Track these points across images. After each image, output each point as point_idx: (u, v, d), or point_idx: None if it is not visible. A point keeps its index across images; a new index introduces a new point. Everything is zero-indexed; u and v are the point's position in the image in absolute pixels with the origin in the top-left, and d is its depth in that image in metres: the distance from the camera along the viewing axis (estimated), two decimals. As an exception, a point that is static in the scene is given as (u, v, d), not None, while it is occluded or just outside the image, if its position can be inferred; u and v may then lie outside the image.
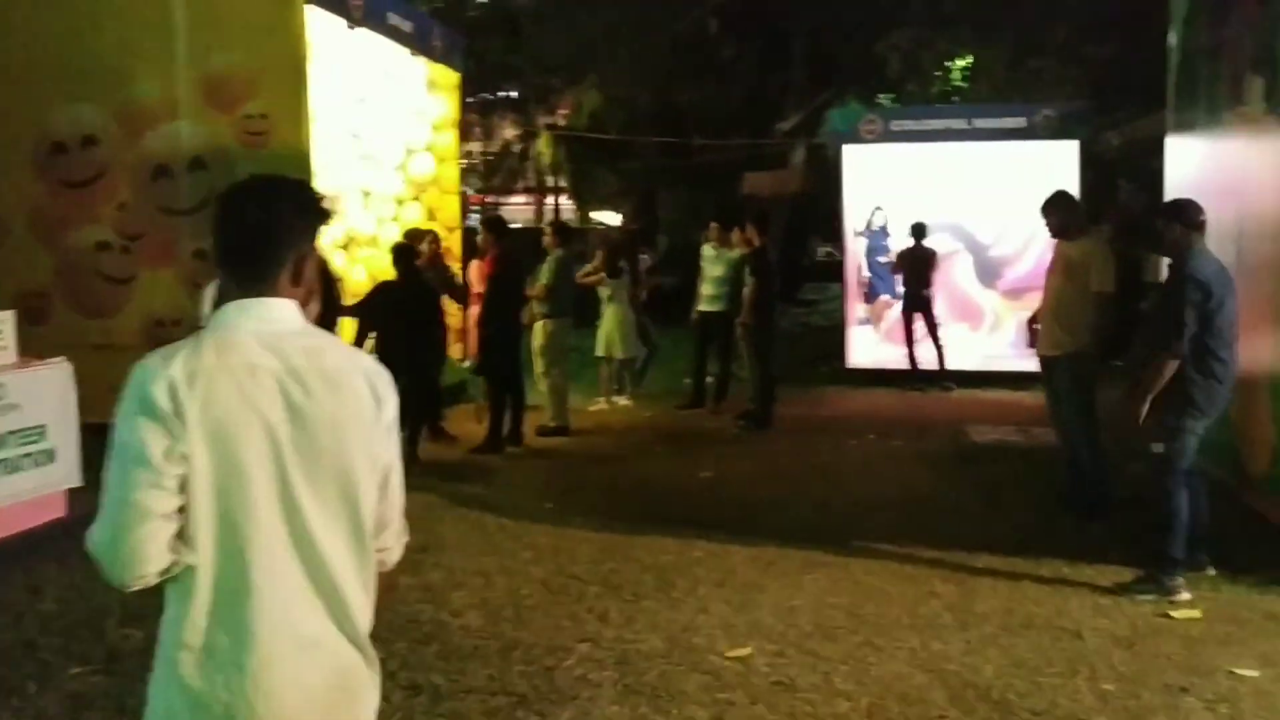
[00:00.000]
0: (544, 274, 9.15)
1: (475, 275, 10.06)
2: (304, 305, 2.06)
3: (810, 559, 5.78)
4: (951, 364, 11.72)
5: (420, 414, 8.30)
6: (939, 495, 7.16)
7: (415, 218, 11.14)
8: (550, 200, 31.70)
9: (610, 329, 10.59)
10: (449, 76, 11.07)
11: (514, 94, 30.42)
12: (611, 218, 30.51)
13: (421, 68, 10.87)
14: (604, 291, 10.68)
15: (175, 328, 8.20)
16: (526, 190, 32.71)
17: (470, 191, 31.46)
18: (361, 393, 2.01)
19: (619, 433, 9.52)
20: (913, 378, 11.72)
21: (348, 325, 10.70)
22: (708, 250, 10.57)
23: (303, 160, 8.08)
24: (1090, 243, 6.56)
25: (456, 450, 8.64)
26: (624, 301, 10.64)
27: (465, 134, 30.26)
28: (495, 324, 8.69)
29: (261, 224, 2.00)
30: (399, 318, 8.13)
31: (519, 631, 4.80)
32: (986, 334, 12.46)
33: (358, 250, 10.28)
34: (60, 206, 8.45)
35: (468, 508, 6.78)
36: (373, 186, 11.11)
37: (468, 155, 33.09)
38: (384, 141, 11.05)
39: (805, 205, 21.00)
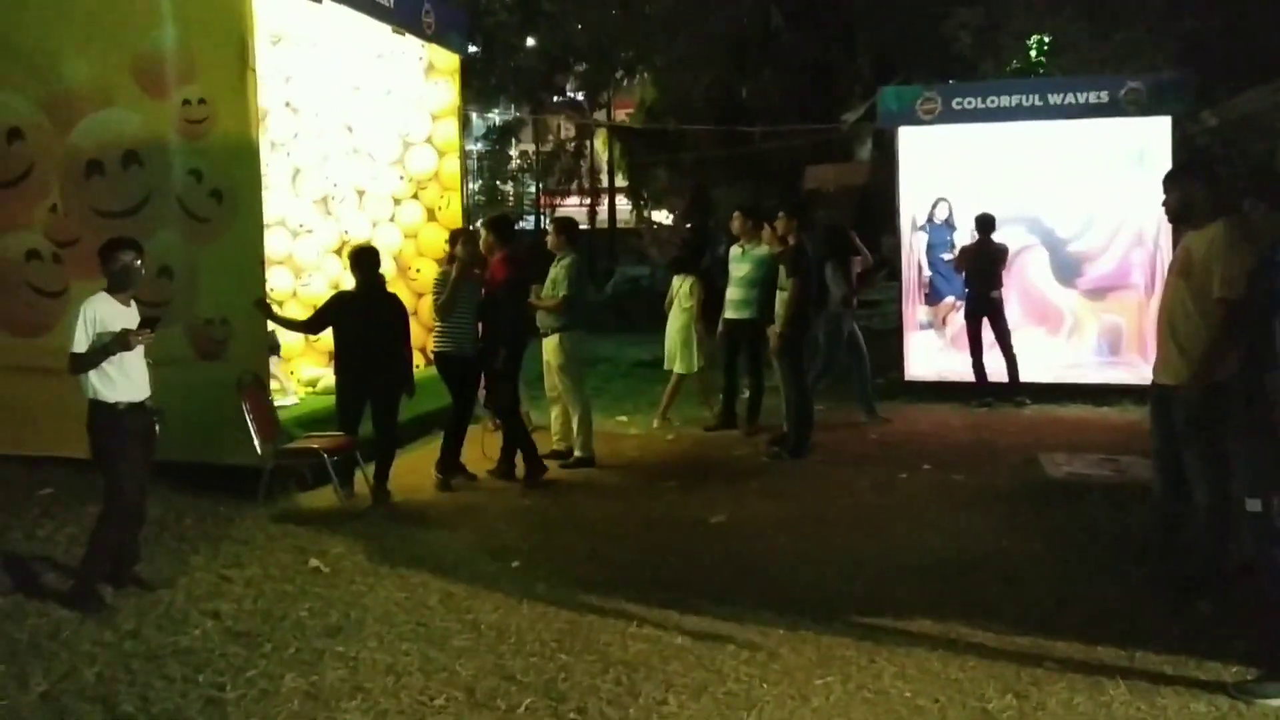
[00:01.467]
0: (560, 282, 7.82)
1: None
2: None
3: (826, 651, 4.42)
4: (1024, 375, 10.19)
5: (386, 448, 7.12)
6: (1002, 553, 5.73)
7: (414, 219, 9.99)
8: (605, 201, 30.45)
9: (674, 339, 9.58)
10: (448, 59, 9.88)
11: (570, 93, 29.35)
12: (664, 218, 29.28)
13: (418, 50, 9.71)
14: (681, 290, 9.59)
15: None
16: (582, 191, 31.54)
17: (529, 192, 30.57)
18: None
19: (629, 462, 8.22)
20: (979, 391, 10.23)
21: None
22: (734, 249, 9.22)
23: (248, 153, 6.95)
24: (1221, 230, 4.66)
25: (475, 487, 7.45)
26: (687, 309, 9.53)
27: (515, 132, 29.46)
28: (503, 342, 7.49)
29: None
30: (356, 336, 6.96)
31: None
32: (1065, 340, 10.91)
33: None
34: (-14, 210, 7.45)
35: (414, 568, 5.54)
36: (368, 185, 10.01)
37: (523, 155, 32.22)
38: (379, 134, 9.94)
39: (872, 199, 19.52)
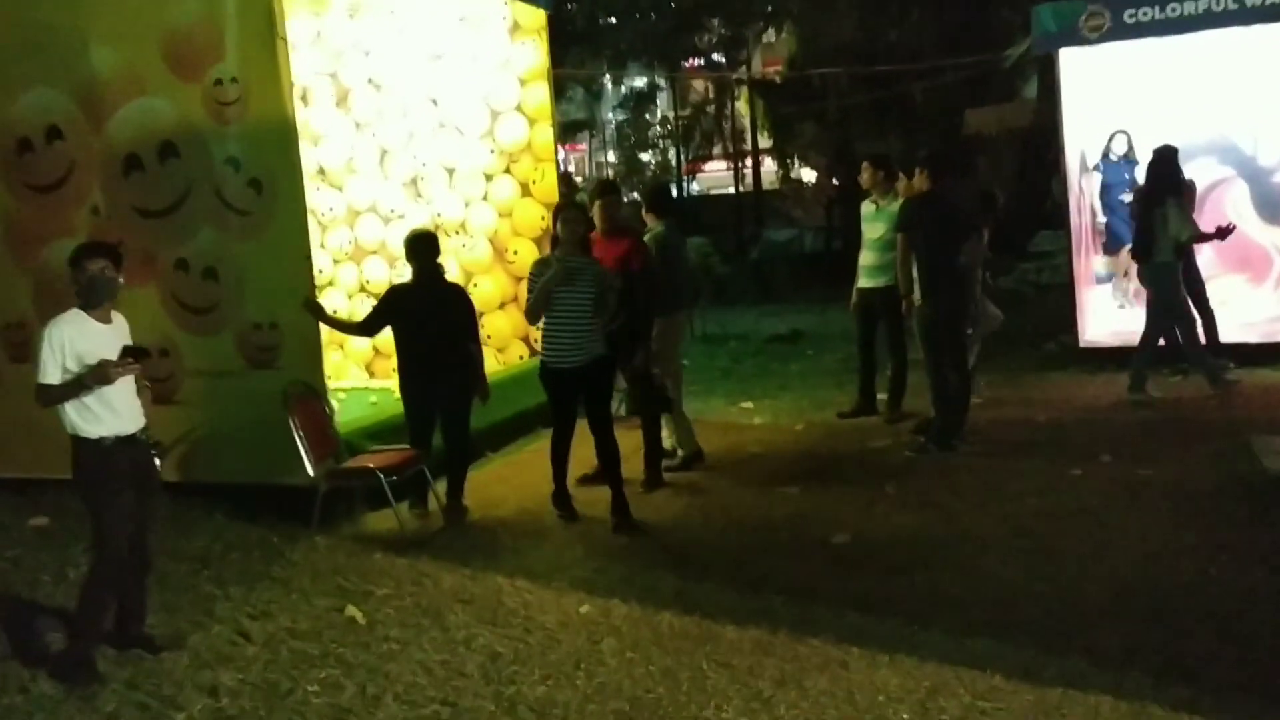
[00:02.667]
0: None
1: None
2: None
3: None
4: (1226, 335, 8.52)
5: (457, 461, 6.24)
6: (1208, 585, 4.39)
7: (508, 195, 9.07)
8: (749, 164, 29.04)
9: None
10: (534, 16, 8.89)
11: (707, 53, 28.06)
12: (811, 177, 27.69)
13: (501, 9, 8.77)
14: None
15: (165, 358, 6.50)
16: (725, 154, 30.22)
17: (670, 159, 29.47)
18: None
19: (747, 458, 7.09)
20: (1170, 355, 8.58)
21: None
22: (865, 205, 7.92)
23: (284, 135, 6.13)
24: None
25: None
26: None
27: (652, 98, 28.36)
28: (642, 336, 6.34)
29: None
30: (416, 334, 6.08)
31: None
32: (1274, 289, 9.18)
33: (445, 240, 8.38)
34: (32, 217, 6.86)
35: (463, 615, 4.62)
36: (457, 161, 9.16)
37: (663, 123, 31.11)
38: (466, 105, 9.06)
39: (1039, 142, 17.67)
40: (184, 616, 4.80)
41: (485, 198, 9.10)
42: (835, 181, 23.57)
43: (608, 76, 25.53)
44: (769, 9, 24.70)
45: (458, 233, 9.15)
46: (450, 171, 9.18)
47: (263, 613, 4.83)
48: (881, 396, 7.94)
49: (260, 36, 6.06)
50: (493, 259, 9.04)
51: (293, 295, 6.20)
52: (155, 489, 4.57)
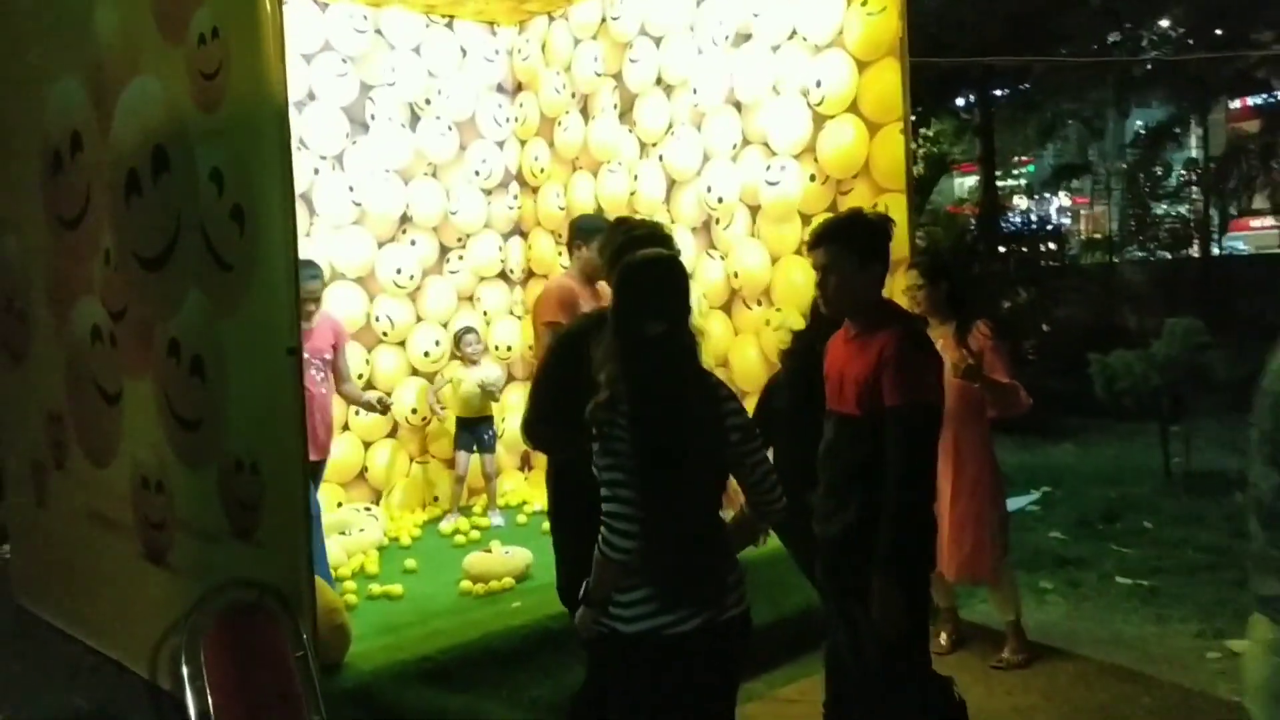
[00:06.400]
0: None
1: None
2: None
3: None
4: None
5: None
6: None
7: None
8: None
9: None
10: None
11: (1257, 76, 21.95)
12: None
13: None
14: None
15: (160, 495, 4.02)
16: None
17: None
18: None
19: None
20: None
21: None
22: None
23: (269, 130, 3.31)
24: None
25: None
26: None
27: (1173, 136, 22.62)
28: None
29: None
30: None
31: None
32: None
33: (745, 313, 5.30)
34: (65, 264, 4.74)
35: None
36: (762, 192, 5.93)
37: (1189, 164, 25.00)
38: (776, 109, 5.81)
39: None
40: None
41: (799, 250, 5.79)
42: None
43: (1112, 108, 20.51)
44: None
45: (759, 302, 5.99)
46: (753, 209, 6.02)
47: None
48: None
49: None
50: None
51: (272, 415, 3.40)
52: None
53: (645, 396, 2.44)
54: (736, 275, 6.05)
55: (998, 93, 17.97)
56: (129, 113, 4.04)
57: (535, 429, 3.21)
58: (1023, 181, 27.56)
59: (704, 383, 2.60)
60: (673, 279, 2.61)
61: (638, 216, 4.69)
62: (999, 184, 20.50)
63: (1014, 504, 6.61)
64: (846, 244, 3.04)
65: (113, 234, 4.25)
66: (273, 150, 3.27)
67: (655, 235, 3.22)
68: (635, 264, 2.63)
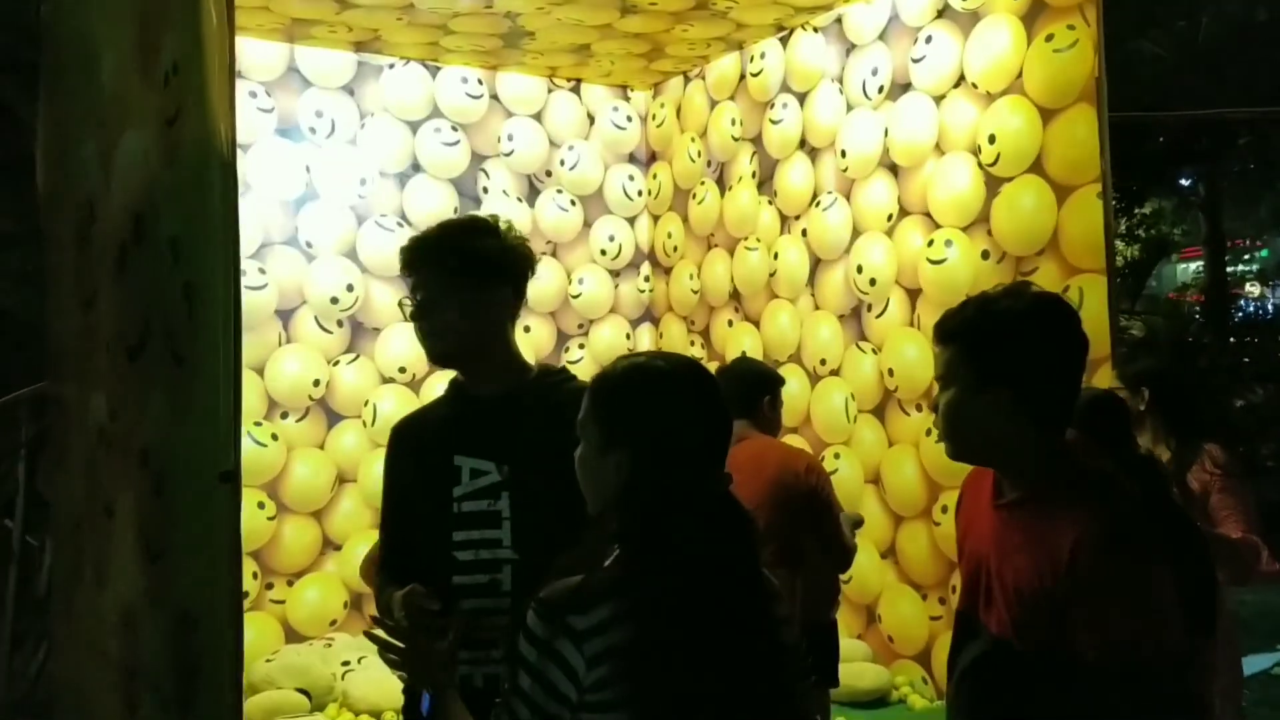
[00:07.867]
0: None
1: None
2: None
3: None
4: None
5: None
6: None
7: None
8: None
9: None
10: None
11: None
12: None
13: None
14: None
15: (133, 636, 3.26)
16: None
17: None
18: None
19: None
20: None
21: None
22: None
23: (213, 189, 2.51)
24: None
25: None
26: None
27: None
28: None
29: None
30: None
31: None
32: None
33: (900, 412, 4.27)
34: (83, 349, 4.11)
35: None
36: (922, 264, 4.86)
37: None
38: (944, 175, 4.77)
39: None
40: None
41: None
42: None
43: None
44: None
45: (919, 407, 4.90)
46: (913, 293, 4.96)
47: None
48: None
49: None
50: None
51: (215, 560, 2.55)
52: None
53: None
54: (891, 373, 5.00)
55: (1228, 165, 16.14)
56: (120, 169, 3.38)
57: None
58: (1255, 266, 24.90)
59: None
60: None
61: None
62: (1228, 269, 18.41)
63: (1252, 665, 5.25)
64: (963, 345, 1.89)
65: (110, 318, 3.60)
66: (216, 212, 2.47)
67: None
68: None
